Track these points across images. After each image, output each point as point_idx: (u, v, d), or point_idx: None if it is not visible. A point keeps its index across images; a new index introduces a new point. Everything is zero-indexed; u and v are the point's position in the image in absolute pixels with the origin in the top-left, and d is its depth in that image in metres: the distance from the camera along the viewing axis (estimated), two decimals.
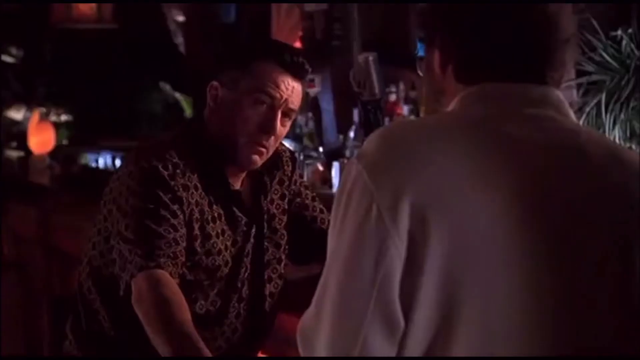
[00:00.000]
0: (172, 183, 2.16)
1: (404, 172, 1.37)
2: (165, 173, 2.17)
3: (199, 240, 2.22)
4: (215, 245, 2.24)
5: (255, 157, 2.24)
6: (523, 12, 1.46)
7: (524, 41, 1.46)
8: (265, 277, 2.37)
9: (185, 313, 2.05)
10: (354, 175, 1.40)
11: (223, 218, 2.27)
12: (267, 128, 2.22)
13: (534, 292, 1.37)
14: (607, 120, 3.03)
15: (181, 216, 2.16)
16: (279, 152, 2.40)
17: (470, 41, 1.48)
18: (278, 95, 2.21)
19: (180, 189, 2.18)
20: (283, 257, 2.41)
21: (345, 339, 1.37)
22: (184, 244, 2.16)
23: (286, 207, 2.41)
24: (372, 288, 1.35)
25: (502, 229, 1.36)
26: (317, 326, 1.40)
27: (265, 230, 2.35)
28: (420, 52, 1.60)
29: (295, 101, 2.25)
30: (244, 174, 2.32)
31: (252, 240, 2.32)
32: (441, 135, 1.41)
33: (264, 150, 2.24)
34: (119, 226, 2.18)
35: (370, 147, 1.42)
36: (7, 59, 6.70)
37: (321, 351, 1.40)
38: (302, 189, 2.46)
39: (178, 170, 2.18)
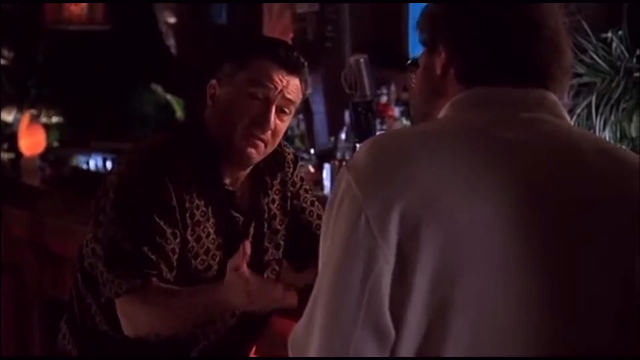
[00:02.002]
0: (163, 194, 2.18)
1: (394, 182, 1.36)
2: (156, 183, 2.18)
3: (188, 245, 2.22)
4: (203, 245, 2.25)
5: (251, 151, 2.23)
6: (535, 28, 1.47)
7: (528, 54, 1.47)
8: (265, 277, 2.37)
9: (174, 292, 2.15)
10: (344, 185, 1.40)
11: (216, 218, 2.27)
12: (262, 121, 2.21)
13: (529, 297, 1.37)
14: (598, 122, 3.04)
15: (169, 230, 2.18)
16: (283, 154, 2.41)
17: (475, 46, 1.48)
18: (272, 86, 2.21)
19: (173, 198, 2.18)
20: (282, 257, 2.41)
21: (336, 349, 1.36)
22: (175, 255, 2.19)
23: (288, 208, 2.41)
24: (361, 299, 1.35)
25: (497, 235, 1.36)
26: (307, 337, 1.40)
27: (265, 230, 2.36)
28: (414, 56, 1.60)
29: (291, 95, 2.24)
30: (243, 173, 2.32)
31: (250, 239, 2.32)
32: (434, 142, 1.41)
33: (260, 144, 2.24)
34: (104, 238, 2.20)
35: (360, 157, 1.42)
36: None
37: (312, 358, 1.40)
38: (301, 191, 2.45)
39: (168, 177, 2.19)
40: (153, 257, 2.14)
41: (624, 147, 3.03)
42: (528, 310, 1.37)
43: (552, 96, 1.49)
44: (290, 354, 1.44)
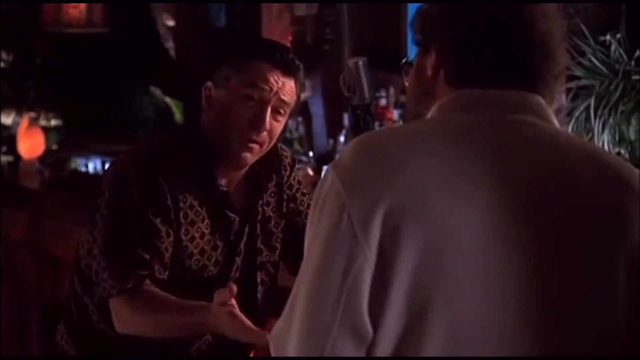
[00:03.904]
0: (158, 193, 2.20)
1: (378, 182, 1.37)
2: (151, 182, 2.20)
3: (182, 244, 2.23)
4: (198, 245, 2.26)
5: (246, 154, 2.25)
6: (525, 31, 1.47)
7: (517, 57, 1.47)
8: (258, 279, 2.38)
9: (166, 305, 2.15)
10: (329, 183, 1.41)
11: (211, 219, 2.28)
12: (257, 123, 2.22)
13: (510, 299, 1.37)
14: (596, 125, 3.04)
15: (164, 228, 2.20)
16: (279, 156, 2.42)
17: (464, 48, 1.48)
18: (267, 88, 2.22)
19: (168, 197, 2.20)
20: (278, 260, 2.42)
21: (313, 346, 1.37)
22: (168, 253, 2.20)
23: (284, 210, 2.42)
24: (340, 298, 1.36)
25: (479, 237, 1.36)
26: (287, 332, 1.41)
27: (257, 232, 2.36)
28: (410, 57, 1.61)
29: (286, 97, 2.25)
30: (239, 174, 2.33)
31: (244, 238, 2.33)
32: (419, 143, 1.42)
33: (255, 146, 2.25)
34: (98, 237, 2.22)
35: (345, 156, 1.43)
36: None
37: (291, 356, 1.40)
38: (297, 194, 2.45)
39: (162, 177, 2.21)
40: (147, 256, 2.17)
41: (622, 150, 3.04)
42: (509, 312, 1.38)
43: (539, 99, 1.48)
44: (271, 350, 1.45)
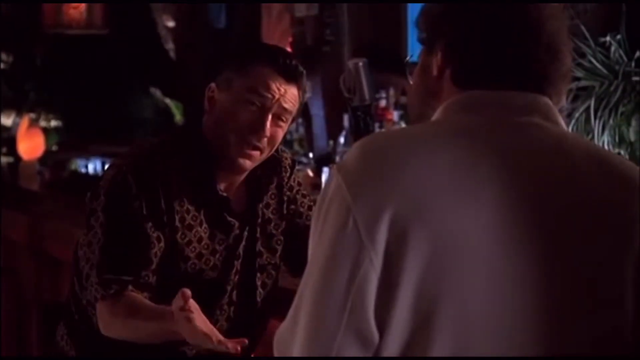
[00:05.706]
0: (152, 197, 2.20)
1: (383, 186, 1.36)
2: (147, 187, 2.20)
3: (178, 247, 2.23)
4: (195, 249, 2.25)
5: (245, 161, 2.25)
6: (533, 32, 1.46)
7: (524, 58, 1.46)
8: (259, 282, 2.38)
9: (135, 311, 2.16)
10: (334, 186, 1.40)
11: (210, 223, 2.27)
12: (257, 128, 2.22)
13: (517, 301, 1.37)
14: (596, 126, 3.04)
15: (155, 234, 2.20)
16: (280, 158, 2.41)
17: (471, 48, 1.47)
18: (269, 95, 2.22)
19: (162, 200, 2.21)
20: (279, 262, 2.41)
21: (318, 350, 1.37)
22: (157, 259, 2.21)
23: (284, 212, 2.41)
24: (345, 303, 1.35)
25: (485, 240, 1.36)
26: (292, 337, 1.40)
27: (257, 235, 2.36)
28: (414, 57, 1.60)
29: (288, 104, 2.25)
30: (239, 178, 2.32)
31: (244, 242, 2.33)
32: (424, 145, 1.41)
33: (255, 152, 2.25)
34: (93, 240, 2.23)
35: (350, 158, 1.42)
36: None
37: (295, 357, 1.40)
38: (298, 196, 2.45)
39: (159, 181, 2.21)
40: (133, 262, 2.18)
41: (622, 151, 3.03)
42: (517, 312, 1.37)
43: (546, 100, 1.48)
44: (275, 353, 1.45)
